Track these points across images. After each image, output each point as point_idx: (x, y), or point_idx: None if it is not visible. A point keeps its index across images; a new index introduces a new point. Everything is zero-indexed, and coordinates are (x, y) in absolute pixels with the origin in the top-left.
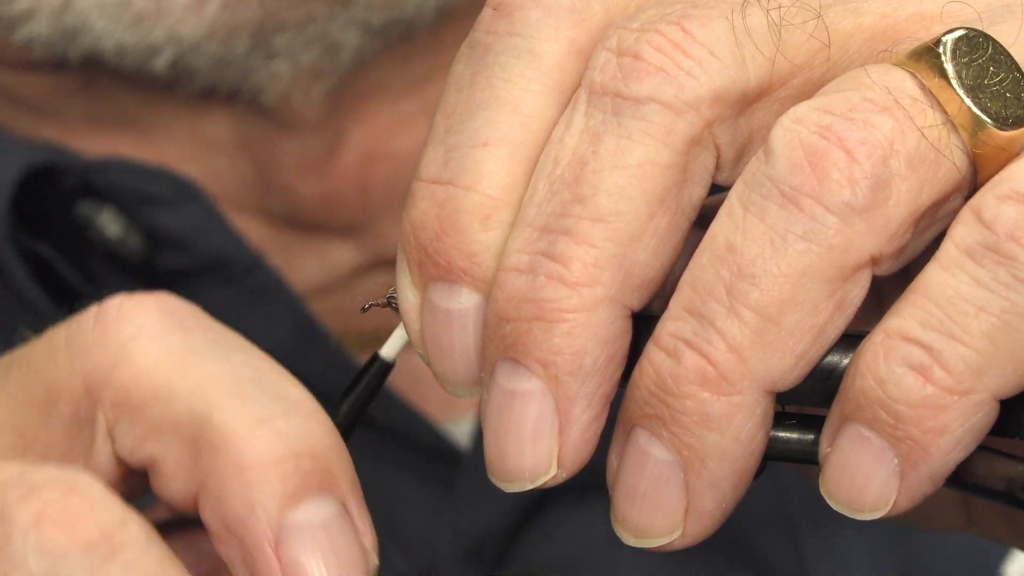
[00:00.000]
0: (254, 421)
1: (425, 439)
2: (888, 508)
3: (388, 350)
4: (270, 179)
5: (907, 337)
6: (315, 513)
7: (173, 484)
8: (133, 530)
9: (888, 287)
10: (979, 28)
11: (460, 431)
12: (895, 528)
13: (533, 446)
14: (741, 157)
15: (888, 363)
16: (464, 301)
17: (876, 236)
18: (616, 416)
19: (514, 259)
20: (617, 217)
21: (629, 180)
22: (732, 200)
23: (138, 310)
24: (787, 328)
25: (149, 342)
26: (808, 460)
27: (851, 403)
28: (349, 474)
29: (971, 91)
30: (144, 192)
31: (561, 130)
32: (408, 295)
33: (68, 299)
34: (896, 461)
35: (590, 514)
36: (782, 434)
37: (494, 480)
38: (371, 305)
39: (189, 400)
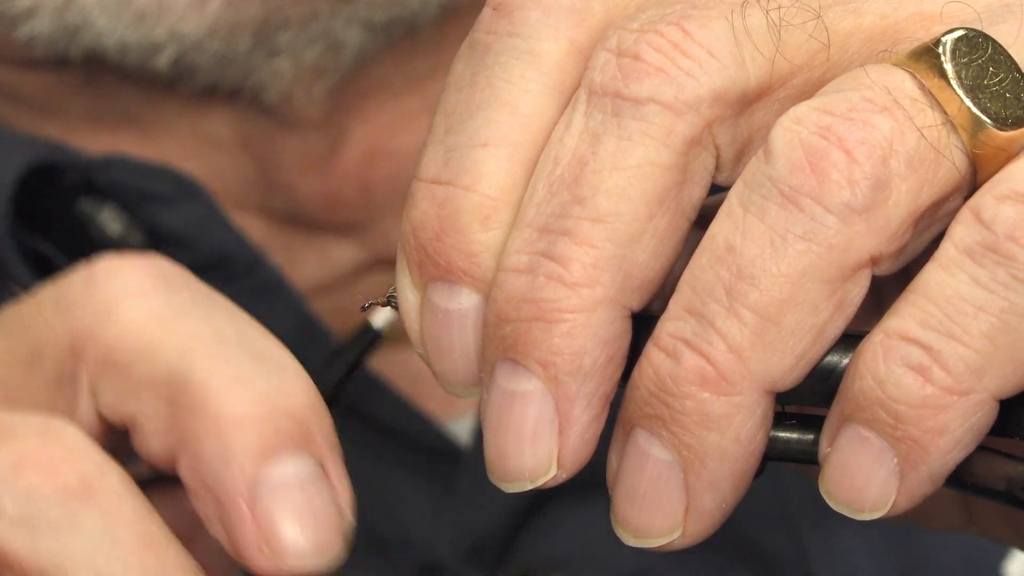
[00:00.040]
0: (233, 378)
1: (425, 438)
2: (888, 508)
3: (378, 320)
4: (271, 177)
5: (907, 337)
6: (291, 470)
7: (153, 442)
8: (112, 478)
9: (888, 287)
10: (979, 28)
11: (460, 430)
12: (895, 528)
13: (533, 447)
14: (741, 157)
15: (888, 363)
16: (464, 301)
17: (876, 236)
18: (616, 416)
19: (514, 259)
20: (617, 218)
21: (629, 181)
22: (732, 200)
23: (126, 270)
24: (787, 328)
25: (135, 301)
26: (808, 460)
27: (851, 403)
28: (328, 434)
29: (971, 91)
30: (145, 190)
31: (561, 130)
32: (408, 295)
33: None
34: (896, 461)
35: (590, 514)
36: (782, 434)
37: (494, 480)
38: (371, 304)
39: (171, 359)
